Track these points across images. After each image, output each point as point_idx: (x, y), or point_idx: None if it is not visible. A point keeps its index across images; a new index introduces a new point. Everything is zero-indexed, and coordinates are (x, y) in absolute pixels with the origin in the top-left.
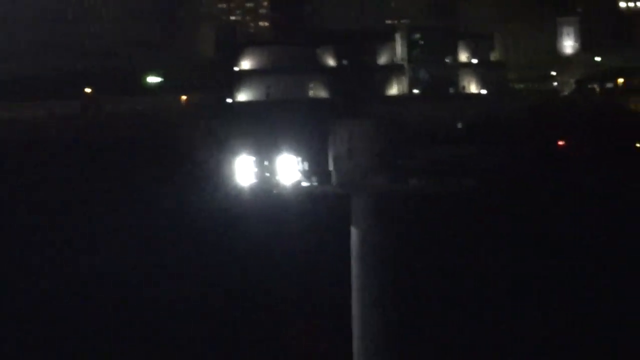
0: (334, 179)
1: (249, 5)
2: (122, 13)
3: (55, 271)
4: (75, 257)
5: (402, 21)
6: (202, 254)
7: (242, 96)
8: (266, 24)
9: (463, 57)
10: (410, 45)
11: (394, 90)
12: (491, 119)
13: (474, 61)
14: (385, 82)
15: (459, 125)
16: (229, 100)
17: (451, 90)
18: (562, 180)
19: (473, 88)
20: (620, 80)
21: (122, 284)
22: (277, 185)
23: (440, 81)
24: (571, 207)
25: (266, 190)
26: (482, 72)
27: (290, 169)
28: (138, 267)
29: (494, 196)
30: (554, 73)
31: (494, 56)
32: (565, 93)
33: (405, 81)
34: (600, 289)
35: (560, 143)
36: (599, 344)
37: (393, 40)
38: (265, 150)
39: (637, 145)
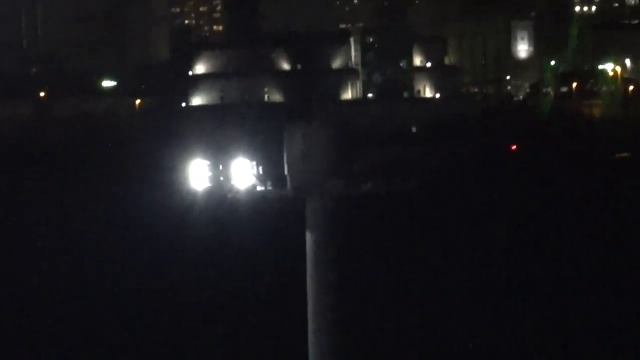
0: (288, 183)
1: (202, 8)
2: (72, 14)
3: None
4: (13, 264)
5: (356, 25)
6: (154, 259)
7: (196, 100)
8: (220, 27)
9: (417, 60)
10: (364, 48)
11: (348, 94)
12: (445, 122)
13: (428, 65)
14: (340, 86)
15: (413, 129)
16: (183, 104)
17: (405, 94)
18: (512, 183)
19: (427, 92)
20: (575, 84)
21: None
22: (232, 189)
23: (395, 85)
24: (519, 210)
25: (221, 195)
26: (436, 76)
27: (244, 173)
28: (86, 270)
29: (439, 197)
30: (508, 77)
31: (448, 60)
32: (520, 97)
33: (359, 85)
34: (538, 292)
35: (513, 147)
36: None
37: (347, 43)
38: (219, 154)
39: (591, 149)
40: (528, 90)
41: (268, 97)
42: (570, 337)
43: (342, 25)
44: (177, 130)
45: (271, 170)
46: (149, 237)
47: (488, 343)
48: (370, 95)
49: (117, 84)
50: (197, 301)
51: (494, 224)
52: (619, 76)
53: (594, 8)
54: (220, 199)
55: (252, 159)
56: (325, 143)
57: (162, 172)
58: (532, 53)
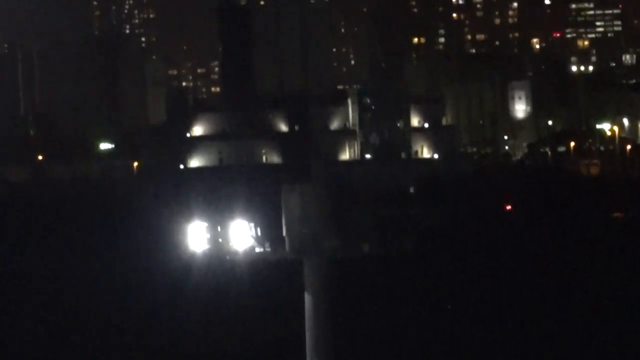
0: (287, 244)
1: (200, 70)
2: (70, 77)
3: None
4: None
5: (354, 86)
6: (152, 322)
7: (194, 161)
8: (217, 89)
9: (415, 121)
10: (362, 109)
11: (345, 154)
12: (442, 182)
13: (426, 125)
14: (337, 146)
15: (411, 189)
16: (180, 166)
17: (403, 154)
18: (505, 244)
19: (425, 152)
20: (572, 144)
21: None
22: (230, 251)
23: (392, 145)
24: (512, 270)
25: (219, 257)
26: (434, 136)
27: (243, 235)
28: (83, 334)
29: (436, 258)
30: (505, 137)
31: (445, 120)
32: (518, 156)
33: (357, 145)
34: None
35: (507, 207)
36: None
37: (345, 104)
38: (217, 215)
39: (589, 208)
40: (526, 149)
41: (266, 158)
42: None
43: (340, 87)
44: (174, 192)
45: (269, 232)
46: (146, 300)
47: None
48: (368, 155)
49: (114, 146)
50: None
51: (489, 284)
52: (617, 135)
53: (590, 68)
54: (219, 260)
55: (250, 221)
56: (323, 204)
57: (160, 234)
58: (529, 113)
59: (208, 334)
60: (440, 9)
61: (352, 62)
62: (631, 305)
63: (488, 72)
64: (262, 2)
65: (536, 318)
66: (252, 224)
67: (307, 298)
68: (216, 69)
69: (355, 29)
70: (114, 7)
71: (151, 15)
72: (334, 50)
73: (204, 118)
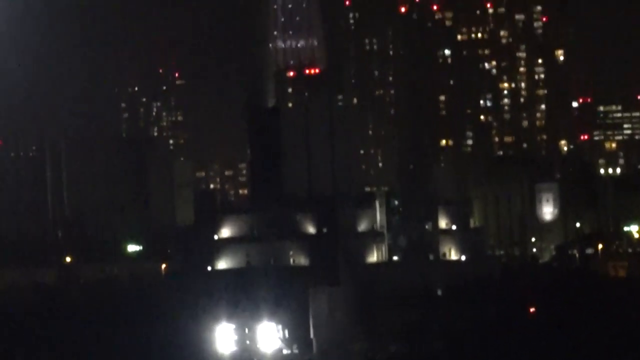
0: (314, 346)
1: (227, 172)
2: (98, 177)
3: None
4: None
5: (382, 188)
6: None
7: (221, 263)
8: (245, 191)
9: (442, 223)
10: (390, 211)
11: (373, 256)
12: (469, 285)
13: (453, 227)
14: (365, 249)
15: (439, 292)
16: (208, 268)
17: (431, 256)
18: (530, 348)
19: (453, 254)
20: (600, 246)
21: None
22: (258, 353)
23: (420, 247)
24: None
25: (247, 358)
26: (461, 238)
27: (270, 337)
28: None
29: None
30: (533, 239)
31: (473, 222)
32: (545, 258)
33: (384, 247)
34: None
35: (531, 309)
36: None
37: (372, 206)
38: (245, 317)
39: (616, 312)
40: (554, 251)
41: (293, 260)
42: None
43: (368, 188)
44: (202, 294)
45: (297, 333)
46: None
47: None
48: (395, 257)
49: (142, 248)
50: None
51: None
52: None
53: (618, 170)
54: None
55: (278, 322)
56: (351, 306)
57: (188, 336)
58: (556, 215)
59: None
60: (468, 111)
61: (380, 164)
62: None
63: (516, 174)
64: (290, 104)
65: None
66: (279, 326)
67: None
68: (244, 170)
69: (383, 132)
70: (142, 110)
71: (179, 118)
72: (362, 152)
73: (231, 220)
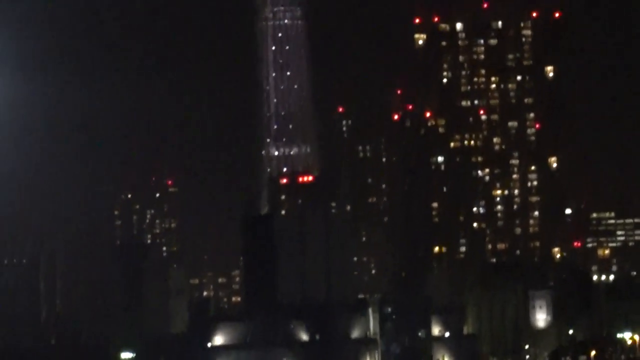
0: None
1: (221, 280)
2: (92, 284)
3: None
4: None
5: (375, 295)
6: None
7: None
8: (238, 298)
9: (435, 330)
10: (383, 318)
11: None
12: None
13: (447, 334)
14: (358, 356)
15: None
16: None
17: None
18: None
19: None
20: (593, 353)
21: None
22: None
23: (413, 354)
24: None
25: None
26: (455, 345)
27: None
28: None
29: None
30: (526, 346)
31: (466, 329)
32: None
33: (378, 354)
34: None
35: None
36: None
37: (366, 313)
38: None
39: None
40: (547, 358)
41: None
42: None
43: (361, 295)
44: None
45: None
46: None
47: None
48: None
49: (136, 355)
50: None
51: None
52: (638, 345)
53: (611, 277)
54: None
55: None
56: None
57: None
58: (550, 322)
59: None
60: (462, 218)
61: (373, 271)
62: None
63: (509, 281)
64: (283, 212)
65: None
66: None
67: None
68: (237, 278)
69: (376, 239)
70: (135, 217)
71: (172, 225)
72: (356, 259)
73: (224, 327)
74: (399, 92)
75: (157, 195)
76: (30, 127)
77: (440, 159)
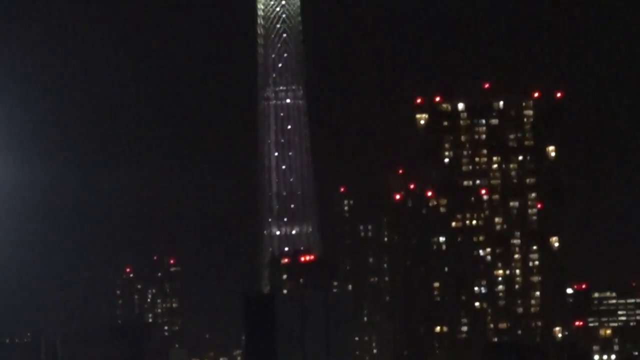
0: None
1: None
2: None
3: None
4: None
5: None
6: None
7: None
8: None
9: None
10: None
11: None
12: None
13: None
14: None
15: None
16: None
17: None
18: None
19: None
20: None
21: None
22: None
23: None
24: None
25: None
26: None
27: None
28: None
29: None
30: None
31: None
32: None
33: None
34: None
35: None
36: None
37: None
38: None
39: None
40: None
41: None
42: None
43: None
44: None
45: None
46: None
47: None
48: None
49: None
50: None
51: None
52: None
53: (613, 357)
54: None
55: None
56: None
57: None
58: None
59: None
60: (463, 297)
61: (375, 350)
62: None
63: None
64: (285, 291)
65: None
66: None
67: None
68: (239, 357)
69: (378, 318)
70: (136, 296)
71: (174, 305)
72: (357, 338)
73: None
74: (400, 171)
75: (159, 274)
76: (30, 208)
77: (441, 238)
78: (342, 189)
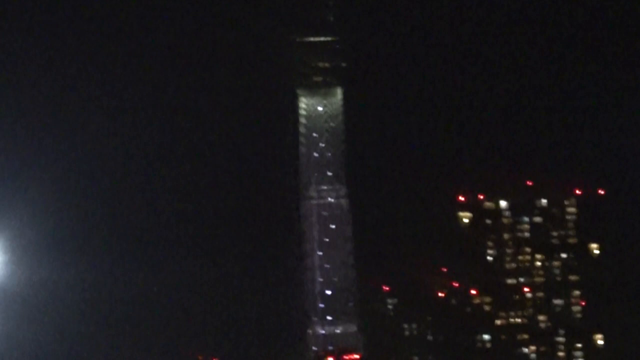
0: None
1: None
2: None
3: None
4: None
5: None
6: None
7: None
8: None
9: None
10: None
11: None
12: None
13: None
14: None
15: None
16: None
17: None
18: None
19: None
20: None
21: None
22: None
23: None
24: None
25: None
26: None
27: None
28: None
29: None
30: None
31: None
32: None
33: None
34: None
35: None
36: None
37: None
38: None
39: None
40: None
41: None
42: None
43: None
44: None
45: None
46: None
47: None
48: None
49: None
50: None
51: None
52: None
53: None
54: None
55: None
56: None
57: None
58: None
59: None
60: None
61: None
62: None
63: None
64: None
65: None
66: None
67: None
68: None
69: None
70: None
71: None
72: None
73: None
74: (444, 269)
75: None
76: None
77: (486, 336)
78: (385, 288)
